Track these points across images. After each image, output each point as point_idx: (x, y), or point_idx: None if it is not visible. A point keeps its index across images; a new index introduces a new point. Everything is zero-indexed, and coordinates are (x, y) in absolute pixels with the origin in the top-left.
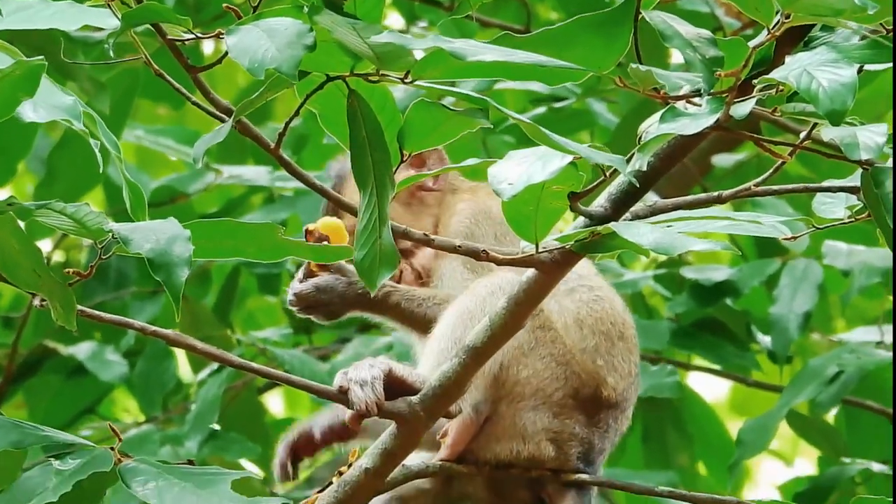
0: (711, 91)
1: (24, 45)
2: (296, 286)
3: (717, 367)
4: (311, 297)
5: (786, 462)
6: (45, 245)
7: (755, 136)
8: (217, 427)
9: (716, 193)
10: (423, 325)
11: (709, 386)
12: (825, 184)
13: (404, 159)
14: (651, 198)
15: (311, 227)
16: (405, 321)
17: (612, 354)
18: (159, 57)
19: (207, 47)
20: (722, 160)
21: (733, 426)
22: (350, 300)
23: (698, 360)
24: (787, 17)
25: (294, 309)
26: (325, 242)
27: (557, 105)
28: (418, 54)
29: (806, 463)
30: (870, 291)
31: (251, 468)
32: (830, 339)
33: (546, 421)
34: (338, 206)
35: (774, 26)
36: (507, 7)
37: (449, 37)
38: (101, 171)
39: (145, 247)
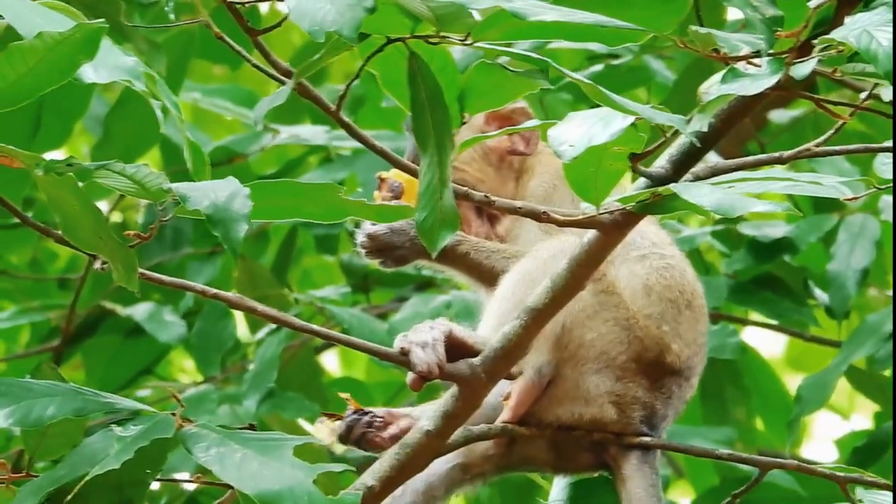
0: (771, 52)
1: (79, 4)
2: (369, 227)
3: (774, 322)
4: (383, 239)
5: (843, 416)
6: (101, 206)
7: (816, 97)
8: (274, 386)
9: (776, 154)
10: (489, 277)
11: (765, 341)
12: (885, 144)
13: (465, 121)
14: (710, 157)
15: (384, 174)
16: (472, 272)
17: (679, 322)
18: (217, 17)
19: (263, 6)
20: (778, 116)
21: (790, 381)
22: (420, 247)
23: (755, 316)
24: None
25: (363, 251)
26: (399, 188)
27: (614, 63)
28: (478, 15)
29: (862, 418)
30: None
31: (308, 427)
32: (887, 295)
33: (609, 384)
34: (397, 167)
35: None
36: None
37: None
38: (159, 132)
39: (204, 203)
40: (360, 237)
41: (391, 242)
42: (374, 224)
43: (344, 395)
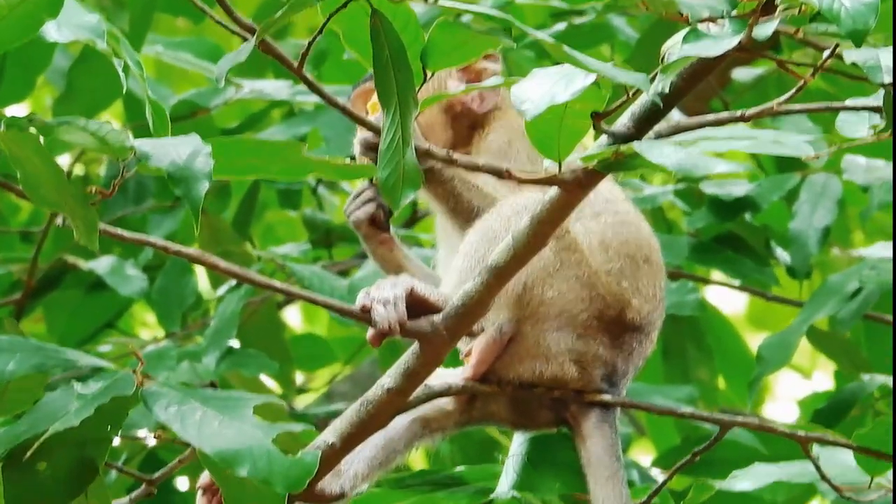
0: (734, 14)
1: None
2: (362, 135)
3: (736, 281)
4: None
5: (804, 375)
6: (64, 159)
7: (778, 58)
8: (236, 343)
9: (738, 112)
10: (464, 210)
11: (726, 299)
12: (848, 103)
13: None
14: (674, 115)
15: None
16: (449, 200)
17: (637, 277)
18: None
19: None
20: (742, 74)
21: (751, 339)
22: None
23: (717, 275)
24: None
25: (361, 150)
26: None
27: (578, 21)
28: None
29: (824, 376)
30: (889, 206)
31: (269, 383)
32: (850, 254)
33: (570, 342)
34: (358, 124)
35: None
36: None
37: None
38: (123, 89)
39: (165, 161)
40: (360, 135)
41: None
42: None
43: None
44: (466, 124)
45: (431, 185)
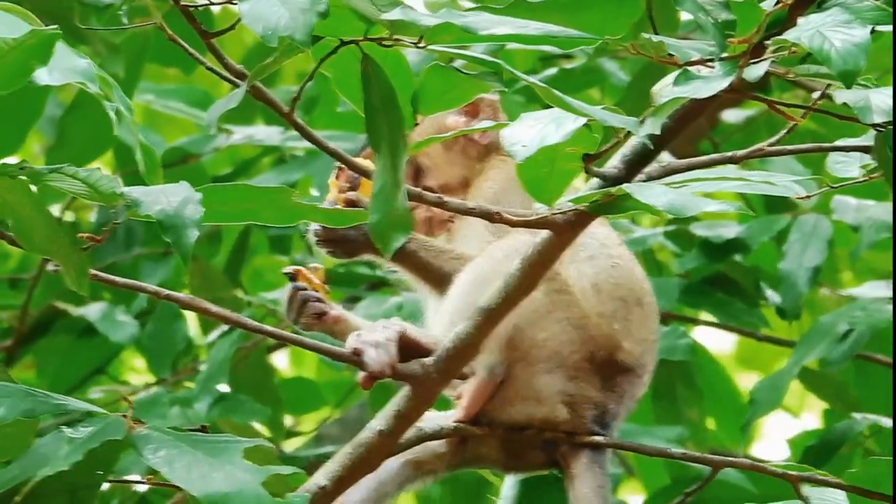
0: (724, 55)
1: (34, 7)
2: (314, 225)
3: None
4: (336, 231)
5: (793, 414)
6: (54, 206)
7: (769, 99)
8: (227, 389)
9: (729, 154)
10: (436, 277)
11: (715, 338)
12: (838, 143)
13: (418, 122)
14: (664, 156)
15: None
16: (419, 271)
17: (629, 320)
18: (170, 19)
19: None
20: (732, 115)
21: (740, 379)
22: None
23: (707, 316)
24: None
25: (316, 240)
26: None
27: (568, 66)
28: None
29: (812, 416)
30: (878, 245)
31: (258, 427)
32: (839, 294)
33: (561, 384)
34: (351, 170)
35: None
36: None
37: None
38: (113, 134)
39: (155, 209)
40: (313, 226)
41: (344, 235)
42: None
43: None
44: (474, 156)
45: (397, 261)
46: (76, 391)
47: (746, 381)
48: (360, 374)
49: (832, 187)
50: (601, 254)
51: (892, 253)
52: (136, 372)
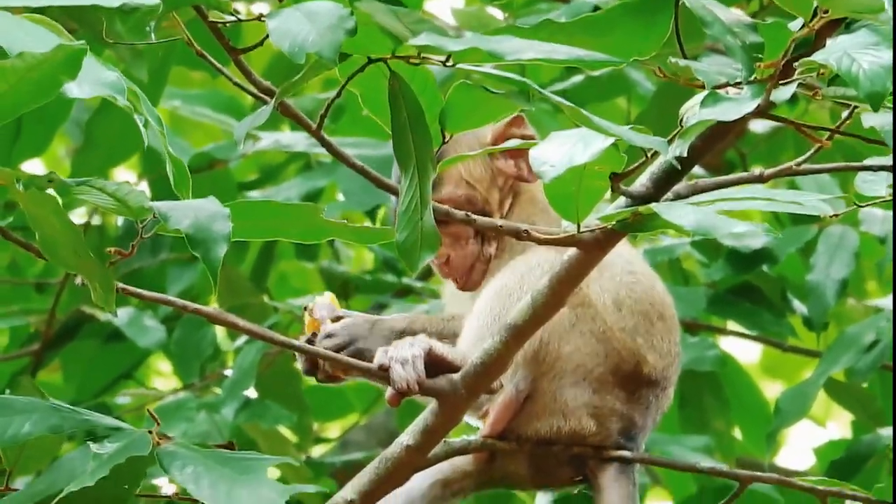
0: (752, 78)
1: (62, 14)
2: (328, 327)
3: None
4: (342, 337)
5: (819, 424)
6: (80, 211)
7: (796, 122)
8: (254, 394)
9: (757, 172)
10: (449, 339)
11: (740, 348)
12: (866, 162)
13: (446, 140)
14: (694, 169)
15: (310, 304)
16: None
17: (652, 334)
18: (194, 28)
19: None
20: (759, 125)
21: (765, 388)
22: (379, 330)
23: (733, 326)
24: (826, 11)
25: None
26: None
27: (594, 73)
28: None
29: (838, 425)
30: None
31: (286, 433)
32: (866, 305)
33: (587, 396)
34: (377, 185)
35: (813, 19)
36: None
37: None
38: (144, 144)
39: (184, 223)
40: (321, 340)
41: (353, 335)
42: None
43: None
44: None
45: None
46: (102, 396)
47: (771, 391)
48: (388, 391)
49: (858, 205)
50: (621, 270)
51: (892, 258)
52: (162, 376)
